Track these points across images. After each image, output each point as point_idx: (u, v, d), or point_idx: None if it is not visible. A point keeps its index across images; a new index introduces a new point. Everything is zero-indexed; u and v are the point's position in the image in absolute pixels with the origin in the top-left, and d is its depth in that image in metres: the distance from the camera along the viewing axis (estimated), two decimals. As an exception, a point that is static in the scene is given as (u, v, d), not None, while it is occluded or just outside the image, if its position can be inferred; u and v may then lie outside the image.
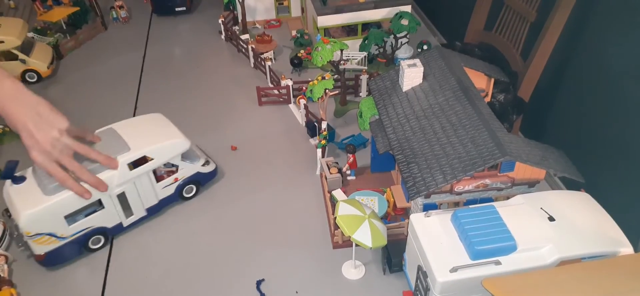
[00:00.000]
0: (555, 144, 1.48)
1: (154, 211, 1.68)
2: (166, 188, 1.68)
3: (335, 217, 1.36)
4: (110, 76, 2.54)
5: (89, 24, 2.97)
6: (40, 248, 1.46)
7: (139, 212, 1.64)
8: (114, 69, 2.60)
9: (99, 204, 1.52)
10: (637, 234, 1.30)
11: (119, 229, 1.62)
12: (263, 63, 2.41)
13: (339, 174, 1.70)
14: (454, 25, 2.53)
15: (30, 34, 2.69)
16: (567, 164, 1.41)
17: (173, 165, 1.67)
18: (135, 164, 1.53)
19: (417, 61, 1.59)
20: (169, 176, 1.67)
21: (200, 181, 1.77)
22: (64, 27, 2.90)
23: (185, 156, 1.69)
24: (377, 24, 2.51)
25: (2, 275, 1.49)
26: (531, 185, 1.41)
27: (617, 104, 1.53)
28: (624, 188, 1.52)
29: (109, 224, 1.58)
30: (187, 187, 1.74)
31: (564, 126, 1.78)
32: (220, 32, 2.84)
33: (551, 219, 1.25)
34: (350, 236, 1.32)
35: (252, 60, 2.52)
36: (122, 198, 1.56)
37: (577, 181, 1.39)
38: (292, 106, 2.23)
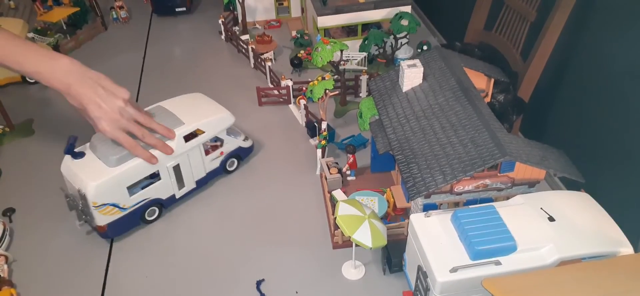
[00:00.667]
0: (555, 144, 1.48)
1: (202, 183, 1.77)
2: (213, 161, 1.77)
3: (335, 217, 1.36)
4: (111, 76, 2.50)
5: (89, 24, 2.97)
6: (104, 218, 1.52)
7: (190, 184, 1.72)
8: (114, 69, 2.60)
9: (155, 177, 1.60)
10: (637, 234, 1.30)
11: (172, 201, 1.69)
12: (263, 63, 2.41)
13: (339, 175, 1.70)
14: (454, 25, 2.53)
15: (31, 34, 2.69)
16: (567, 164, 1.41)
17: (217, 140, 1.76)
18: (186, 138, 1.62)
19: (417, 61, 1.59)
20: (213, 150, 1.76)
21: (241, 155, 1.88)
22: (64, 28, 2.90)
23: (229, 131, 1.79)
24: (377, 25, 2.51)
25: (2, 275, 1.49)
26: (531, 185, 1.41)
27: (617, 104, 1.53)
28: (624, 188, 1.52)
29: (164, 195, 1.65)
30: (229, 160, 1.83)
31: (564, 126, 1.78)
32: (220, 33, 2.84)
33: (551, 219, 1.25)
34: (350, 236, 1.32)
35: (252, 60, 2.53)
36: (176, 170, 1.63)
37: (577, 181, 1.39)
38: (292, 106, 2.23)
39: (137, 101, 2.35)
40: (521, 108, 1.78)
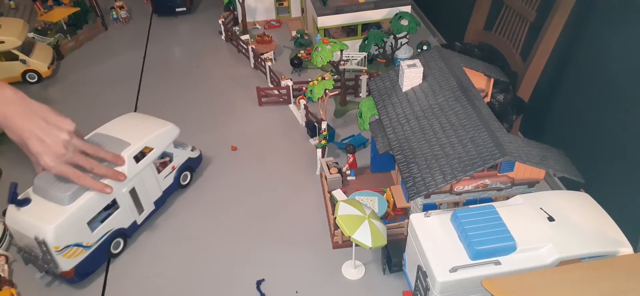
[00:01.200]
0: (555, 144, 1.48)
1: (159, 204, 1.70)
2: (167, 177, 1.71)
3: (335, 217, 1.36)
4: (111, 76, 2.54)
5: (90, 24, 2.97)
6: (69, 262, 1.41)
7: (148, 207, 1.65)
8: (115, 69, 2.60)
9: (113, 206, 1.52)
10: (637, 234, 1.30)
11: (134, 228, 1.62)
12: (263, 63, 2.41)
13: (339, 174, 1.70)
14: (454, 25, 2.53)
15: (31, 34, 2.70)
16: (567, 164, 1.41)
17: (166, 156, 1.71)
18: (136, 159, 1.54)
19: (416, 61, 1.59)
20: (163, 167, 1.69)
21: (192, 166, 1.82)
22: (65, 28, 2.90)
23: (176, 144, 1.73)
24: (377, 25, 2.51)
25: (2, 275, 1.49)
26: (531, 185, 1.42)
27: (617, 104, 1.53)
28: (624, 188, 1.52)
29: (126, 224, 1.58)
30: (183, 174, 1.78)
31: (564, 126, 1.79)
32: (221, 33, 2.84)
33: (551, 219, 1.25)
34: (350, 236, 1.32)
35: (252, 60, 2.53)
36: (133, 194, 1.56)
37: (577, 181, 1.39)
38: (292, 106, 2.23)
39: (137, 100, 2.35)
40: (521, 108, 1.78)
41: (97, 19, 2.98)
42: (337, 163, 1.75)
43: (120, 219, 1.55)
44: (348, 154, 1.74)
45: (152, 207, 1.67)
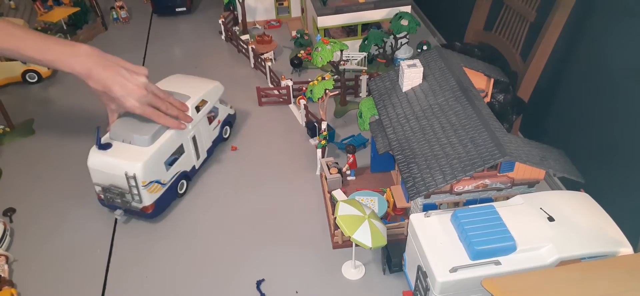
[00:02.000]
0: (555, 144, 1.48)
1: (210, 152, 1.90)
2: (215, 129, 1.91)
3: (335, 217, 1.36)
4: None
5: (90, 24, 2.97)
6: (151, 197, 1.59)
7: (203, 153, 1.84)
8: (114, 69, 2.60)
9: (180, 151, 1.69)
10: (637, 234, 1.30)
11: (193, 172, 1.80)
12: (263, 63, 2.41)
13: (339, 174, 1.70)
14: (454, 25, 2.53)
15: (31, 34, 2.69)
16: (567, 164, 1.41)
17: (212, 111, 1.88)
18: (196, 109, 1.73)
19: (416, 61, 1.59)
20: (211, 121, 1.88)
21: (231, 122, 2.04)
22: (65, 28, 2.90)
23: (220, 101, 1.94)
24: (377, 25, 2.51)
25: (2, 275, 1.49)
26: (531, 185, 1.42)
27: (617, 104, 1.53)
28: (624, 188, 1.52)
29: (188, 167, 1.76)
30: (224, 128, 1.98)
31: (564, 126, 1.79)
32: (221, 33, 2.84)
33: (551, 219, 1.25)
34: (350, 236, 1.32)
35: (252, 60, 2.53)
36: (194, 140, 1.75)
37: (577, 181, 1.39)
38: (292, 106, 2.23)
39: (137, 101, 2.35)
40: (521, 108, 1.78)
41: (97, 19, 2.98)
42: (337, 163, 1.75)
43: (185, 163, 1.73)
44: (348, 154, 1.74)
45: (206, 155, 1.87)
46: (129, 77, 1.47)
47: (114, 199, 1.60)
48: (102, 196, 1.62)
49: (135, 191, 1.55)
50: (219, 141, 1.96)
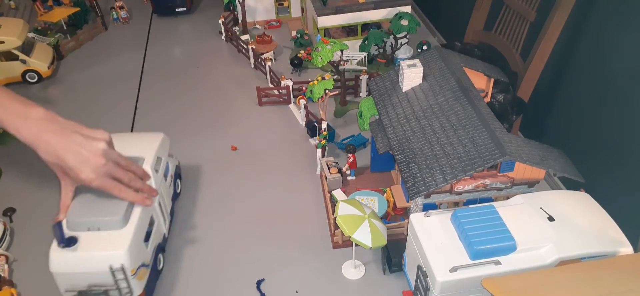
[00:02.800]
0: (555, 144, 1.48)
1: (172, 213, 1.68)
2: (170, 186, 1.67)
3: (335, 217, 1.36)
4: (111, 76, 2.54)
5: (90, 24, 2.97)
6: (140, 284, 1.35)
7: (167, 217, 1.61)
8: (115, 70, 2.60)
9: (151, 222, 1.46)
10: (637, 234, 1.30)
11: (165, 241, 1.57)
12: (263, 63, 2.41)
13: (339, 174, 1.70)
14: (454, 25, 2.53)
15: (31, 34, 2.70)
16: (567, 164, 1.41)
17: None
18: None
19: (416, 61, 1.59)
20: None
21: (180, 174, 1.81)
22: (65, 28, 2.90)
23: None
24: (377, 25, 2.51)
25: (2, 275, 1.49)
26: (531, 185, 1.42)
27: (617, 104, 1.53)
28: (624, 188, 1.52)
29: (161, 238, 1.53)
30: (176, 182, 1.75)
31: (564, 126, 1.79)
32: (221, 33, 2.84)
33: (551, 219, 1.25)
34: (350, 236, 1.32)
35: (252, 60, 2.53)
36: (160, 206, 1.53)
37: (577, 181, 1.39)
38: (292, 106, 2.23)
39: (137, 101, 2.35)
40: (521, 108, 1.78)
41: (97, 19, 2.98)
42: (337, 163, 1.75)
43: (158, 234, 1.50)
44: (348, 154, 1.74)
45: (170, 217, 1.65)
46: (84, 144, 1.22)
47: None
48: None
49: (124, 284, 1.30)
50: (175, 198, 1.74)
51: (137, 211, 1.35)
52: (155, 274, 1.46)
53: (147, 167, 1.44)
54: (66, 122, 1.24)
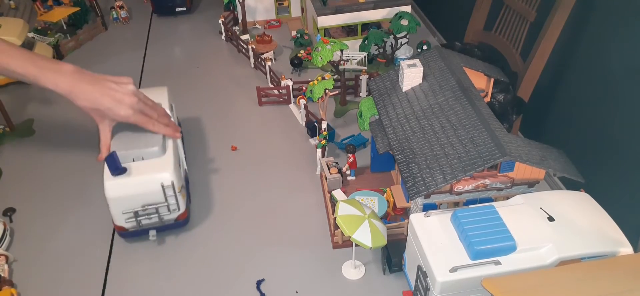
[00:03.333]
0: (555, 144, 1.48)
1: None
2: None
3: (335, 217, 1.36)
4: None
5: (90, 24, 2.97)
6: (184, 203, 1.57)
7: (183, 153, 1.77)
8: (114, 69, 2.60)
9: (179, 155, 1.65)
10: (637, 234, 1.30)
11: (187, 176, 1.76)
12: (263, 63, 2.41)
13: (339, 174, 1.70)
14: (454, 25, 2.53)
15: (31, 34, 2.69)
16: (567, 164, 1.41)
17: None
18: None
19: (417, 61, 1.59)
20: None
21: (180, 123, 1.98)
22: (65, 27, 2.90)
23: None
24: (377, 24, 2.51)
25: (2, 275, 1.49)
26: (531, 185, 1.42)
27: (617, 104, 1.53)
28: (624, 188, 1.52)
29: (184, 171, 1.69)
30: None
31: (564, 126, 1.79)
32: (221, 32, 2.84)
33: (551, 219, 1.25)
34: (350, 236, 1.32)
35: (252, 60, 2.53)
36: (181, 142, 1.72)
37: (577, 181, 1.39)
38: (292, 106, 2.23)
39: (137, 101, 2.35)
40: (521, 108, 1.78)
41: (97, 19, 2.98)
42: (337, 163, 1.75)
43: (183, 164, 1.69)
44: (348, 154, 1.74)
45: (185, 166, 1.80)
46: (117, 88, 1.44)
47: (149, 219, 1.53)
48: (127, 227, 1.53)
49: (172, 201, 1.51)
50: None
51: (170, 142, 1.55)
52: (188, 199, 1.66)
53: (166, 110, 1.63)
54: (94, 74, 1.46)
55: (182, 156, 1.70)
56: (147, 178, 1.46)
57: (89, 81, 1.41)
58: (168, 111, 1.66)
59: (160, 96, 1.74)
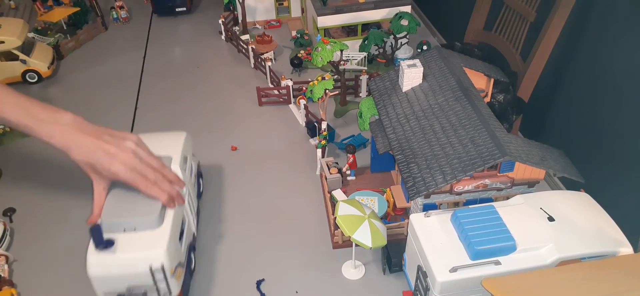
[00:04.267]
0: (555, 144, 1.48)
1: (198, 213, 1.65)
2: (194, 186, 1.65)
3: (335, 217, 1.36)
4: (111, 76, 2.54)
5: (90, 24, 2.97)
6: (178, 285, 1.33)
7: (195, 216, 1.58)
8: (115, 69, 2.60)
9: (183, 220, 1.43)
10: (637, 234, 1.30)
11: (195, 240, 1.54)
12: (263, 63, 2.41)
13: (339, 174, 1.70)
14: (454, 25, 2.53)
15: (31, 34, 2.70)
16: (567, 164, 1.41)
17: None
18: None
19: (417, 61, 1.59)
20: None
21: (202, 173, 1.79)
22: (65, 28, 2.90)
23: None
24: (377, 25, 2.51)
25: (2, 275, 1.49)
26: (531, 185, 1.42)
27: (617, 104, 1.53)
28: (624, 188, 1.52)
29: (191, 236, 1.50)
30: (199, 182, 1.73)
31: (564, 126, 1.79)
32: (221, 33, 2.84)
33: (551, 219, 1.25)
34: (350, 236, 1.32)
35: (252, 60, 2.53)
36: (189, 204, 1.49)
37: (577, 181, 1.39)
38: (292, 106, 2.23)
39: (137, 101, 2.35)
40: (521, 108, 1.78)
41: (97, 19, 2.98)
42: (337, 163, 1.75)
43: (189, 234, 1.47)
44: (348, 154, 1.74)
45: (196, 216, 1.61)
46: (112, 141, 1.29)
47: None
48: None
49: (163, 285, 1.27)
50: (199, 196, 1.73)
51: (171, 210, 1.33)
52: (188, 274, 1.43)
53: (176, 166, 1.44)
54: (95, 126, 1.31)
55: (191, 219, 1.50)
56: (133, 257, 1.24)
57: (85, 132, 1.28)
58: (179, 161, 1.46)
59: (174, 143, 1.52)
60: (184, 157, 1.52)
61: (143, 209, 1.28)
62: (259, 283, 1.48)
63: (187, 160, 1.55)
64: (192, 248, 1.48)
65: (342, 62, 2.14)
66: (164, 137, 1.57)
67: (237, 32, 2.72)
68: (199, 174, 1.74)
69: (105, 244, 1.24)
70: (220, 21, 2.80)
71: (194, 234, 1.54)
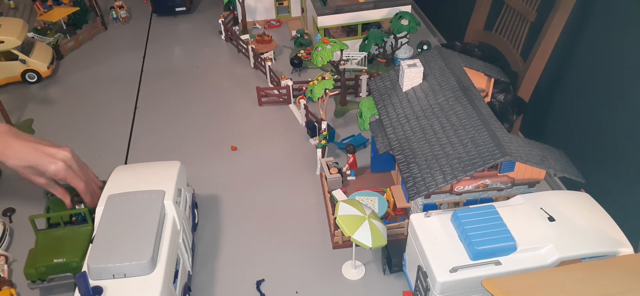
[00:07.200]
0: (555, 144, 1.48)
1: (193, 248, 1.55)
2: (189, 218, 1.54)
3: (335, 217, 1.36)
4: (110, 76, 2.54)
5: (89, 24, 2.97)
6: None
7: (190, 253, 1.48)
8: (114, 69, 2.60)
9: (177, 261, 1.35)
10: (637, 234, 1.30)
11: (190, 280, 1.45)
12: (263, 63, 2.41)
13: (339, 174, 1.70)
14: (454, 25, 2.53)
15: (31, 34, 2.69)
16: (567, 164, 1.41)
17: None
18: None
19: (417, 61, 1.59)
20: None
21: (196, 203, 1.70)
22: (64, 27, 2.90)
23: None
24: (377, 24, 2.51)
25: (2, 275, 1.49)
26: (531, 185, 1.41)
27: (617, 104, 1.53)
28: (624, 188, 1.52)
29: (186, 277, 1.41)
30: (193, 213, 1.64)
31: (564, 126, 1.79)
32: (220, 32, 2.84)
33: (551, 219, 1.25)
34: (350, 237, 1.32)
35: (252, 60, 2.53)
36: (183, 242, 1.41)
37: (577, 181, 1.39)
38: (292, 106, 2.23)
39: (136, 100, 2.35)
40: (521, 108, 1.78)
41: (96, 18, 2.98)
42: (337, 163, 1.75)
43: (184, 273, 1.39)
44: (348, 154, 1.74)
45: (191, 253, 1.50)
46: (49, 145, 1.39)
47: None
48: None
49: None
50: (194, 230, 1.62)
51: (164, 252, 1.24)
52: None
53: (169, 202, 1.35)
54: (29, 135, 1.42)
55: (186, 257, 1.41)
56: None
57: (22, 139, 1.35)
58: (172, 196, 1.37)
59: (167, 175, 1.44)
60: (178, 190, 1.42)
61: (134, 253, 1.19)
62: (259, 283, 1.48)
63: (181, 193, 1.45)
64: (187, 288, 1.39)
65: (342, 62, 2.14)
66: (155, 168, 1.49)
67: (237, 32, 2.72)
68: (194, 205, 1.64)
69: (92, 294, 1.14)
70: (220, 21, 2.80)
71: (189, 273, 1.44)
